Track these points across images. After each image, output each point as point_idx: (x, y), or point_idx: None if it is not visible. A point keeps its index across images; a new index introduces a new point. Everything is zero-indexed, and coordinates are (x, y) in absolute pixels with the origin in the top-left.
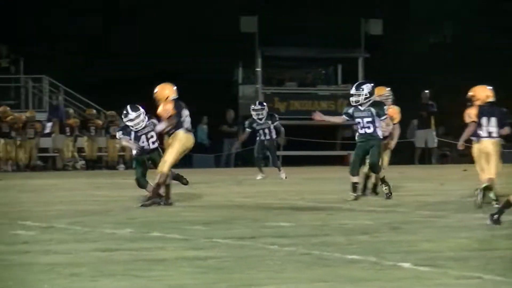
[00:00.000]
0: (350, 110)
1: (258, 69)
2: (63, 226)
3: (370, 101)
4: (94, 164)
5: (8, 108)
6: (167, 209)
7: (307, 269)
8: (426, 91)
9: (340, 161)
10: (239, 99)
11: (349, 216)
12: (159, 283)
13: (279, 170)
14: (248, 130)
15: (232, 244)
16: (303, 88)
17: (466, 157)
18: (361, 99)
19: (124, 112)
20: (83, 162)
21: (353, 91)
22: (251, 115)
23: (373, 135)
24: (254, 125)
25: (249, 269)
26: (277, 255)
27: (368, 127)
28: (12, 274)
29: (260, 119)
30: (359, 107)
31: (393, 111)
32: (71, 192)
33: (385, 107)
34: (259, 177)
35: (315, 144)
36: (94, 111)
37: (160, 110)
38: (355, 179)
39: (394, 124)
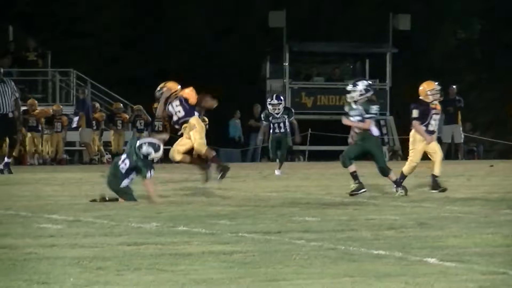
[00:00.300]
0: (347, 108)
1: (285, 64)
2: (89, 220)
3: (366, 99)
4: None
5: (36, 101)
6: (192, 203)
7: (333, 264)
8: (454, 86)
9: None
10: (266, 94)
11: (375, 211)
12: (185, 277)
13: (279, 167)
14: (265, 122)
15: (258, 238)
16: (330, 83)
17: (492, 153)
18: (355, 95)
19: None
20: (109, 156)
21: (349, 87)
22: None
23: (366, 134)
24: (270, 118)
25: (275, 264)
26: (303, 250)
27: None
28: (39, 267)
29: (277, 113)
30: (352, 104)
31: (439, 106)
32: (97, 186)
33: (374, 105)
34: (277, 172)
35: (342, 139)
36: (121, 105)
37: (188, 93)
38: (352, 168)
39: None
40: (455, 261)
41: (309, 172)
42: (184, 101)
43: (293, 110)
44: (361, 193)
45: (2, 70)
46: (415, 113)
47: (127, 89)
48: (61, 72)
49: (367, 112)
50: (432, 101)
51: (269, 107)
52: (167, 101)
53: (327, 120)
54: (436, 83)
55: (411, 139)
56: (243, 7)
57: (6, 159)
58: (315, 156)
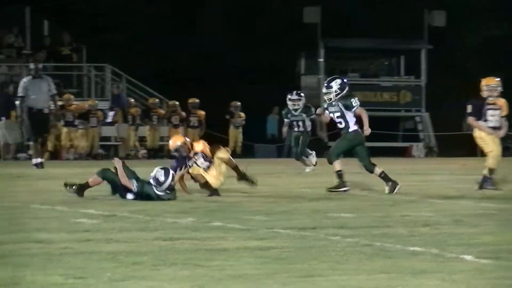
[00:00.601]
0: (326, 105)
1: (320, 60)
2: (125, 215)
3: (341, 96)
4: (156, 153)
5: (72, 96)
6: (228, 199)
7: (369, 261)
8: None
9: (402, 152)
10: (301, 89)
11: (410, 207)
12: (220, 273)
13: (305, 164)
14: (285, 120)
15: (294, 234)
16: (365, 79)
17: None
18: (332, 96)
19: None
20: (145, 151)
21: (324, 89)
22: (314, 106)
23: (346, 130)
24: (289, 115)
25: (310, 260)
26: (338, 246)
27: (340, 122)
28: (74, 262)
29: (295, 110)
30: (332, 103)
31: (501, 102)
32: None
33: (353, 99)
34: (307, 169)
35: (377, 135)
36: (157, 100)
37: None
38: (337, 166)
39: (502, 116)
40: (491, 258)
41: (344, 168)
42: (205, 156)
43: (312, 108)
44: (342, 191)
45: (40, 65)
46: (469, 108)
47: (162, 84)
48: (96, 67)
49: (349, 108)
50: (488, 97)
51: (289, 102)
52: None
53: None
54: (498, 79)
55: (476, 134)
56: (278, 3)
57: (39, 160)
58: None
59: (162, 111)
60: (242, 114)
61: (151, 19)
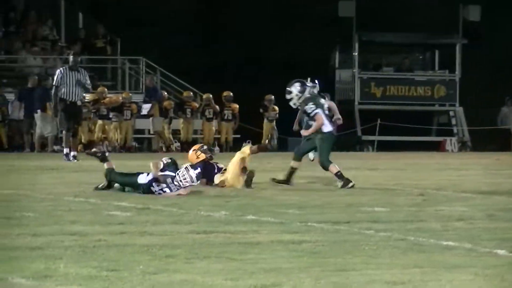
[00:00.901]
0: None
1: (355, 54)
2: (159, 208)
3: (308, 96)
4: (189, 146)
5: (106, 89)
6: (262, 193)
7: (402, 255)
8: None
9: (436, 147)
10: (335, 84)
11: (444, 202)
12: (253, 266)
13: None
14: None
15: (327, 228)
16: (400, 73)
17: None
18: (295, 101)
19: None
20: (178, 144)
21: (287, 96)
22: (347, 100)
23: (320, 131)
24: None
25: (344, 254)
26: (372, 240)
27: (311, 125)
28: (108, 254)
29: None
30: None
31: None
32: None
33: (309, 105)
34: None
35: (411, 129)
36: (191, 93)
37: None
38: (334, 169)
39: None
40: None
41: (378, 162)
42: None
43: (325, 96)
44: (350, 186)
45: (79, 58)
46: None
47: (197, 78)
48: (130, 60)
49: (307, 114)
50: None
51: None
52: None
53: (396, 110)
54: None
55: None
56: None
57: (72, 152)
58: (383, 147)
59: (196, 104)
60: (276, 108)
61: (186, 12)
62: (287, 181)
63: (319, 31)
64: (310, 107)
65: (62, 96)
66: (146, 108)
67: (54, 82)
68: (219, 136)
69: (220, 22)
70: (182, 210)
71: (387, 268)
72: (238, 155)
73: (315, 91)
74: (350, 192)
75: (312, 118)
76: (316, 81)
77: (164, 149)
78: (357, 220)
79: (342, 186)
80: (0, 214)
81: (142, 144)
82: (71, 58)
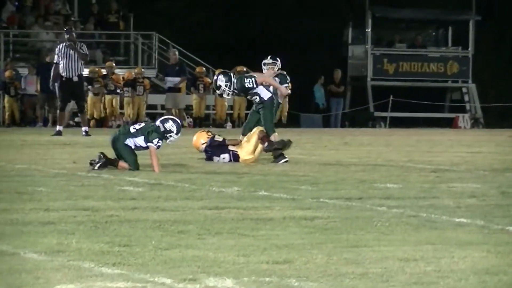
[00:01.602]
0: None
1: (368, 30)
2: (171, 183)
3: (234, 85)
4: (202, 121)
5: (113, 64)
6: (274, 169)
7: (415, 232)
8: None
9: (448, 123)
10: (348, 60)
11: (457, 179)
12: (266, 242)
13: None
14: None
15: (340, 204)
16: (413, 49)
17: None
18: (226, 92)
19: None
20: (191, 120)
21: (217, 91)
22: (360, 76)
23: (262, 101)
24: None
25: (356, 230)
26: (384, 216)
27: (255, 99)
28: (120, 230)
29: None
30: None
31: None
32: (178, 150)
33: (245, 80)
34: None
35: (423, 106)
36: (204, 69)
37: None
38: (275, 139)
39: None
40: None
41: (391, 138)
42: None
43: (288, 78)
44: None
45: (74, 34)
46: None
47: (209, 53)
48: (143, 35)
49: (249, 89)
50: None
51: (264, 67)
52: None
53: (408, 86)
54: None
55: None
56: None
57: (84, 128)
58: (396, 123)
59: (209, 80)
60: (289, 84)
61: None
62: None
63: (332, 7)
64: (248, 81)
65: (59, 72)
66: (172, 81)
67: (54, 59)
68: (231, 111)
69: None
70: (194, 186)
71: (399, 245)
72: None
73: (276, 68)
74: (363, 168)
75: (254, 94)
76: (278, 59)
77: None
78: (369, 197)
79: (275, 160)
80: (13, 189)
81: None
82: (65, 35)
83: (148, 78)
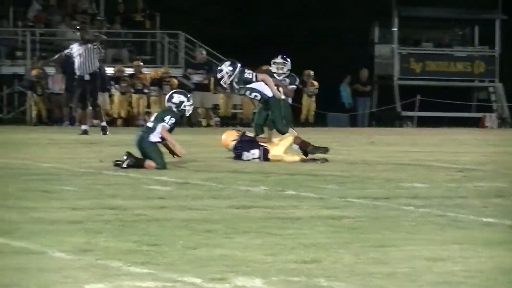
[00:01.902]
0: (238, 91)
1: (394, 29)
2: (198, 182)
3: (235, 76)
4: (229, 121)
5: (140, 63)
6: (301, 168)
7: (441, 231)
8: None
9: (475, 123)
10: (375, 59)
11: (484, 178)
12: (293, 241)
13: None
14: None
15: (367, 204)
16: (439, 49)
17: None
18: (226, 79)
19: None
20: (218, 119)
21: (218, 75)
22: (386, 75)
23: (266, 98)
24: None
25: (383, 230)
26: (411, 216)
27: (256, 97)
28: (148, 229)
29: (279, 75)
30: (234, 85)
31: None
32: (206, 149)
33: (246, 72)
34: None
35: (450, 105)
36: None
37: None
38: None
39: None
40: None
41: (417, 138)
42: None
43: (297, 79)
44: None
45: (89, 32)
46: None
47: (236, 51)
48: (169, 34)
49: (249, 81)
50: None
51: (273, 66)
52: None
53: (435, 86)
54: None
55: None
56: None
57: (100, 123)
58: (423, 122)
59: None
60: (315, 83)
61: None
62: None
63: (358, 5)
64: (247, 73)
65: (75, 72)
66: (197, 78)
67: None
68: None
69: None
70: (222, 185)
71: (426, 244)
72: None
73: (286, 69)
74: (390, 168)
75: (254, 91)
76: (288, 59)
77: (203, 123)
78: (396, 196)
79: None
80: (40, 188)
81: (181, 119)
82: (77, 32)
83: (174, 77)
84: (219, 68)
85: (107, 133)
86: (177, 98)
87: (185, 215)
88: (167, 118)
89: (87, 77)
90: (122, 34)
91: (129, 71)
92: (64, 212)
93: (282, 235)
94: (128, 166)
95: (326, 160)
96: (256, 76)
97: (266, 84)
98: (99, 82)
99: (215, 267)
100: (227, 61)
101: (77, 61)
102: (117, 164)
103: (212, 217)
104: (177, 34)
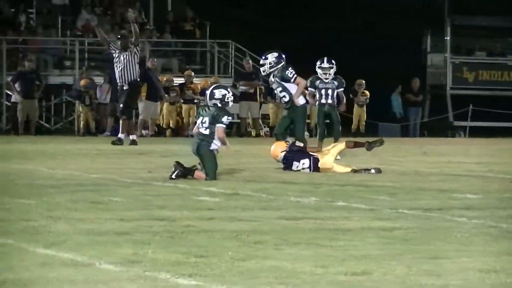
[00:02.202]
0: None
1: (447, 38)
2: (248, 193)
3: (277, 69)
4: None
5: (192, 73)
6: (352, 178)
7: (495, 242)
8: None
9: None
10: (427, 68)
11: None
12: (344, 253)
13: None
14: (311, 90)
15: (419, 215)
16: (492, 58)
17: None
18: (266, 68)
19: None
20: (267, 129)
21: (261, 61)
22: (439, 85)
23: (293, 105)
24: (318, 83)
25: (435, 241)
26: (464, 227)
27: (284, 96)
28: (197, 240)
29: (326, 80)
30: (271, 78)
31: None
32: (255, 159)
33: (289, 70)
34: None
35: (503, 115)
36: None
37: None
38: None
39: None
40: None
41: (470, 148)
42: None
43: (344, 82)
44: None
45: (128, 40)
46: None
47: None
48: (219, 44)
49: (286, 79)
50: None
51: (318, 71)
52: None
53: (488, 95)
54: None
55: None
56: None
57: (131, 136)
58: (476, 132)
59: None
60: (366, 93)
61: None
62: None
63: (411, 14)
64: (289, 71)
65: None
66: (243, 88)
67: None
68: (309, 121)
69: (309, 3)
70: (271, 196)
71: (479, 256)
72: (337, 147)
73: (332, 72)
74: (442, 178)
75: (285, 90)
76: (333, 62)
77: (253, 134)
78: (449, 207)
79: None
80: (88, 199)
81: (231, 129)
82: (118, 42)
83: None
84: (264, 56)
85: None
86: (218, 93)
87: (234, 226)
88: (224, 118)
89: (125, 87)
90: (172, 43)
91: (178, 80)
92: (112, 223)
93: (332, 247)
94: (177, 177)
95: (379, 170)
96: (295, 78)
97: (298, 88)
98: (136, 92)
99: (264, 279)
100: (275, 51)
101: (117, 71)
102: (171, 177)
103: (261, 228)
104: (227, 43)
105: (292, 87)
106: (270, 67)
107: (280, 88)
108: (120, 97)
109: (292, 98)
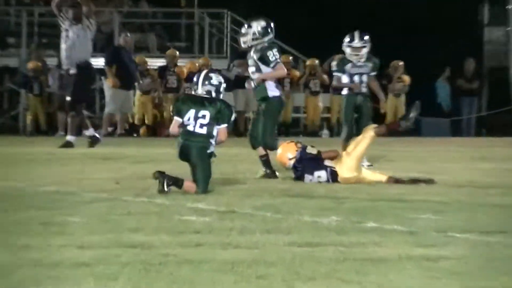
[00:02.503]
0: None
1: (509, 7)
2: (247, 211)
3: (264, 44)
4: (288, 129)
5: (177, 53)
6: (385, 191)
7: None
8: None
9: None
10: (484, 45)
11: None
12: None
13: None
14: (337, 74)
15: (474, 240)
16: None
17: None
18: (247, 39)
19: None
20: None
21: (243, 29)
22: (500, 67)
23: (261, 94)
24: (349, 66)
25: (497, 275)
26: None
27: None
28: (179, 274)
29: (358, 62)
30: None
31: None
32: (257, 166)
33: (272, 51)
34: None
35: None
36: (290, 58)
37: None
38: (261, 151)
39: None
40: None
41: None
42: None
43: (378, 62)
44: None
45: (83, 9)
46: None
47: (298, 38)
48: (211, 14)
49: (265, 62)
50: None
51: (347, 50)
52: None
53: None
54: None
55: None
56: None
57: (87, 132)
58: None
59: (297, 73)
60: (405, 78)
61: None
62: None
63: None
64: (273, 53)
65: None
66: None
67: None
68: (328, 115)
69: None
70: (279, 215)
71: None
72: (363, 142)
73: (366, 50)
74: (505, 192)
75: (260, 71)
76: (366, 38)
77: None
78: None
79: (264, 176)
80: (36, 219)
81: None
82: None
83: (218, 70)
84: (248, 23)
85: (94, 146)
86: (215, 78)
87: (229, 255)
88: (232, 116)
89: (72, 71)
90: (149, 13)
91: (157, 62)
92: (68, 251)
93: (360, 283)
94: (169, 187)
95: (432, 180)
96: (276, 64)
97: (273, 72)
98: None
99: None
100: (263, 20)
101: (62, 48)
102: (161, 191)
103: (265, 258)
104: (220, 13)
105: (268, 71)
106: (253, 39)
107: (253, 68)
108: (67, 85)
109: (265, 87)
